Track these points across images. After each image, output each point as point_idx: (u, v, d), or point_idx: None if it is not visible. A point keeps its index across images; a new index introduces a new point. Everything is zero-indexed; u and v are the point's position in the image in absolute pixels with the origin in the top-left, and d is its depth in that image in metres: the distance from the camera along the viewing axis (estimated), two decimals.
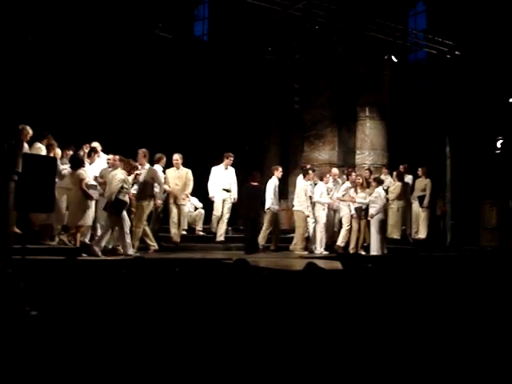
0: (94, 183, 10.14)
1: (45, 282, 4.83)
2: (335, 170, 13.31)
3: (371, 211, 12.25)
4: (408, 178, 14.37)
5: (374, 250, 12.09)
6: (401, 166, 14.42)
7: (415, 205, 14.33)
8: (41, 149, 9.49)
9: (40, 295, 4.65)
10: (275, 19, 13.79)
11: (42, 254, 8.19)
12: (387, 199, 13.15)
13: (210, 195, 12.51)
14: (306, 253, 12.29)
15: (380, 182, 12.66)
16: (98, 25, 15.49)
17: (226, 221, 12.45)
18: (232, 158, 12.71)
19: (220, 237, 12.33)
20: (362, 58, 15.90)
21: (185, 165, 11.97)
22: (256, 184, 12.21)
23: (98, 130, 14.40)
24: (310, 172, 12.92)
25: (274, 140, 18.26)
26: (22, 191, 5.33)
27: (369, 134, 15.88)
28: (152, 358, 3.78)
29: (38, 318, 4.38)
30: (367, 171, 14.05)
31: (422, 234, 14.11)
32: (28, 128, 9.20)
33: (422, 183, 14.18)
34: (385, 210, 12.52)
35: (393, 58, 15.00)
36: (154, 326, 3.99)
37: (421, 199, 14.16)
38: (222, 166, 12.67)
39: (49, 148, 9.76)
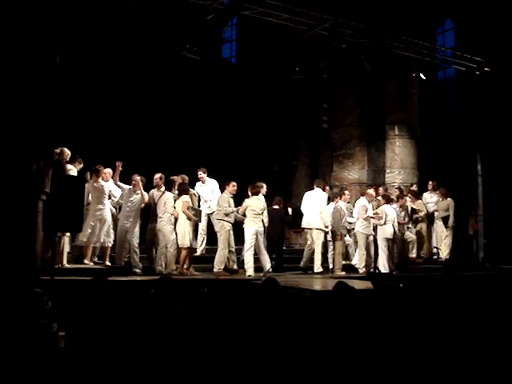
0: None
1: (73, 303, 4.84)
2: (371, 191, 12.78)
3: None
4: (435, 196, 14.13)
5: (383, 268, 11.81)
6: (430, 183, 14.26)
7: (439, 225, 14.03)
8: (72, 170, 9.65)
9: (68, 315, 4.66)
10: (302, 39, 13.83)
11: (71, 274, 8.25)
12: (412, 218, 13.17)
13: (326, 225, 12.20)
14: (343, 273, 12.05)
15: (388, 200, 12.34)
16: (127, 46, 15.72)
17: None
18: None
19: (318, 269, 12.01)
20: (390, 76, 15.88)
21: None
22: (277, 207, 12.15)
23: (127, 152, 14.57)
24: (346, 192, 12.80)
25: (303, 160, 18.25)
26: (50, 211, 5.37)
27: (398, 153, 15.80)
28: (179, 379, 3.75)
29: (65, 337, 4.39)
30: (397, 190, 13.91)
31: (445, 254, 13.66)
32: (66, 150, 9.59)
33: (444, 204, 13.83)
34: (394, 228, 12.27)
35: (421, 75, 14.92)
36: (183, 347, 3.96)
37: (445, 220, 13.83)
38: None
39: (97, 173, 10.29)
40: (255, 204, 10.97)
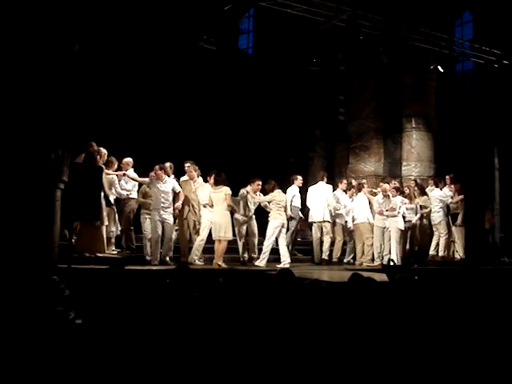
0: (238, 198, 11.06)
1: (90, 291, 4.88)
2: (386, 186, 12.58)
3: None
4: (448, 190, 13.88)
5: (397, 260, 11.71)
6: (447, 176, 14.05)
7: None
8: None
9: (85, 304, 4.70)
10: (319, 31, 13.77)
11: (88, 263, 8.31)
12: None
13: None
14: (374, 264, 12.09)
15: (401, 193, 12.29)
16: (144, 37, 15.74)
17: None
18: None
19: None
20: (408, 68, 15.79)
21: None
22: None
23: (144, 142, 14.64)
24: (366, 185, 12.85)
25: (319, 152, 18.19)
26: (68, 200, 5.42)
27: (415, 146, 15.72)
28: (196, 368, 3.77)
29: (83, 326, 4.43)
30: (413, 182, 13.78)
31: (461, 254, 13.30)
32: (102, 149, 9.75)
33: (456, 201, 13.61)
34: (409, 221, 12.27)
35: (439, 67, 14.81)
36: (198, 336, 3.98)
37: (453, 217, 13.57)
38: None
39: (108, 164, 10.26)
40: (279, 197, 11.09)
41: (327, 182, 12.75)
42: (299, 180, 12.45)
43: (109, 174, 10.24)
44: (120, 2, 14.28)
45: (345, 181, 13.27)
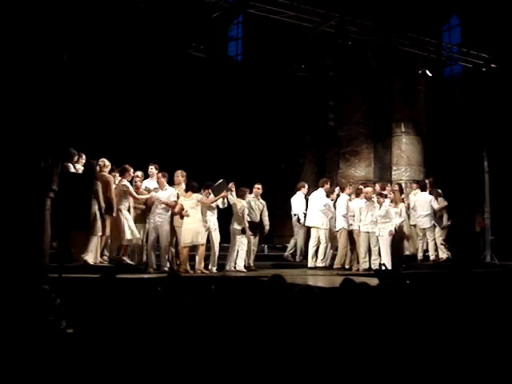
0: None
1: (82, 300, 4.86)
2: (369, 189, 12.56)
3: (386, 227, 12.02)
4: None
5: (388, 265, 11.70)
6: (426, 180, 13.88)
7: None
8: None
9: (77, 313, 4.69)
10: (308, 37, 13.81)
11: (79, 272, 8.28)
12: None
13: None
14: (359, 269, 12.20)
15: (385, 197, 12.33)
16: (133, 45, 15.76)
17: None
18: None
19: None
20: (397, 73, 15.84)
21: None
22: None
23: (134, 149, 14.61)
24: (364, 190, 12.81)
25: (310, 158, 18.23)
26: (58, 209, 5.41)
27: (405, 150, 15.76)
28: (188, 376, 3.76)
29: (74, 335, 4.42)
30: (397, 186, 13.77)
31: (446, 253, 13.28)
32: (105, 160, 9.74)
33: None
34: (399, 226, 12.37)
35: (427, 72, 14.89)
36: (190, 345, 3.98)
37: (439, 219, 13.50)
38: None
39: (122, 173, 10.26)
40: (238, 205, 11.26)
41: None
42: (306, 189, 13.02)
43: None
44: (110, 12, 14.27)
45: (350, 186, 13.39)
